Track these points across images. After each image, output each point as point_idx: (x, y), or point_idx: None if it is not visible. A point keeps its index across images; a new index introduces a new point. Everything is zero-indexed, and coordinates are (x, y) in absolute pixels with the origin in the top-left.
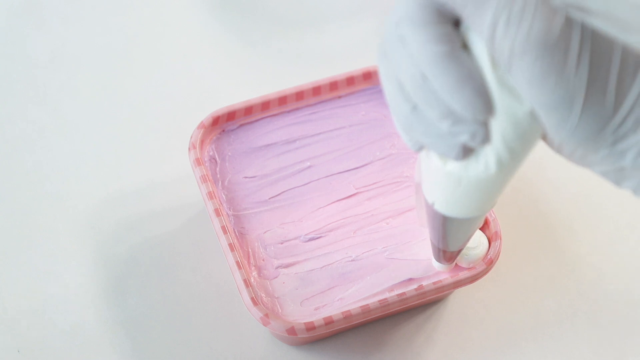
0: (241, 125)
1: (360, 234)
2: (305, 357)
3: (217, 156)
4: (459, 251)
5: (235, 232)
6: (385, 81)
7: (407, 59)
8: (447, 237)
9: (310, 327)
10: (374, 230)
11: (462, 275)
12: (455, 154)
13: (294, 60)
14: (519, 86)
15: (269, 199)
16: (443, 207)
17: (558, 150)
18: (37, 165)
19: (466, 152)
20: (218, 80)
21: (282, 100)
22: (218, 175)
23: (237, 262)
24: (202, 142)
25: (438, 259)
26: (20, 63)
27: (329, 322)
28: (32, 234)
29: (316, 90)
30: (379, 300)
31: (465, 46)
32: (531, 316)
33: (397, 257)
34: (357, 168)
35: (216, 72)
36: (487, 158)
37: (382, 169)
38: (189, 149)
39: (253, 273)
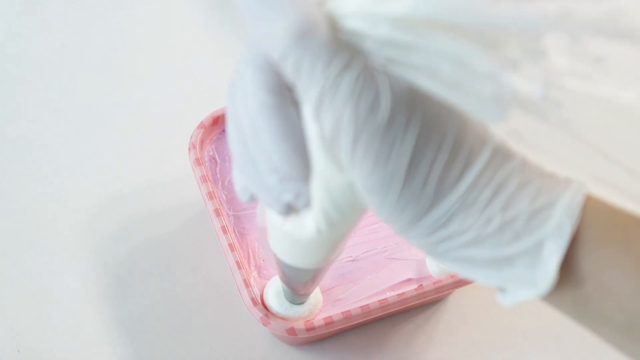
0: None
1: (360, 234)
2: (305, 357)
3: (217, 156)
4: (307, 293)
5: (235, 232)
6: (229, 120)
7: (244, 103)
8: (291, 282)
9: (310, 327)
10: (374, 230)
11: None
12: (279, 209)
13: None
14: (341, 161)
15: None
16: (285, 257)
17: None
18: (37, 165)
19: (290, 209)
20: (218, 80)
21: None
22: (218, 175)
23: (237, 262)
24: (202, 142)
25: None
26: (20, 63)
27: (329, 322)
28: (32, 234)
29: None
30: (379, 300)
31: (297, 103)
32: (531, 316)
33: (397, 257)
34: None
35: (216, 72)
36: (315, 220)
37: None
38: (189, 149)
39: (253, 273)
